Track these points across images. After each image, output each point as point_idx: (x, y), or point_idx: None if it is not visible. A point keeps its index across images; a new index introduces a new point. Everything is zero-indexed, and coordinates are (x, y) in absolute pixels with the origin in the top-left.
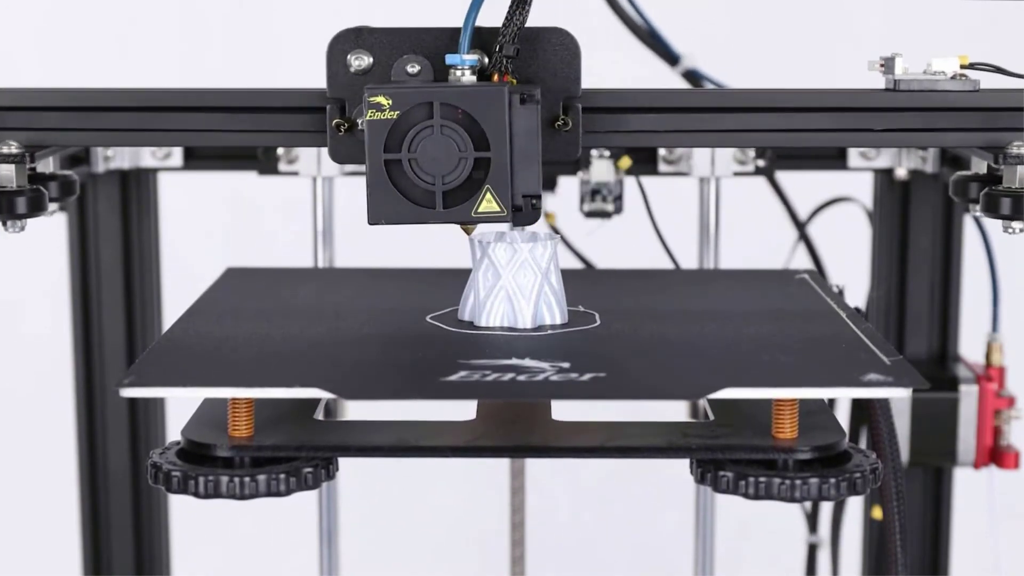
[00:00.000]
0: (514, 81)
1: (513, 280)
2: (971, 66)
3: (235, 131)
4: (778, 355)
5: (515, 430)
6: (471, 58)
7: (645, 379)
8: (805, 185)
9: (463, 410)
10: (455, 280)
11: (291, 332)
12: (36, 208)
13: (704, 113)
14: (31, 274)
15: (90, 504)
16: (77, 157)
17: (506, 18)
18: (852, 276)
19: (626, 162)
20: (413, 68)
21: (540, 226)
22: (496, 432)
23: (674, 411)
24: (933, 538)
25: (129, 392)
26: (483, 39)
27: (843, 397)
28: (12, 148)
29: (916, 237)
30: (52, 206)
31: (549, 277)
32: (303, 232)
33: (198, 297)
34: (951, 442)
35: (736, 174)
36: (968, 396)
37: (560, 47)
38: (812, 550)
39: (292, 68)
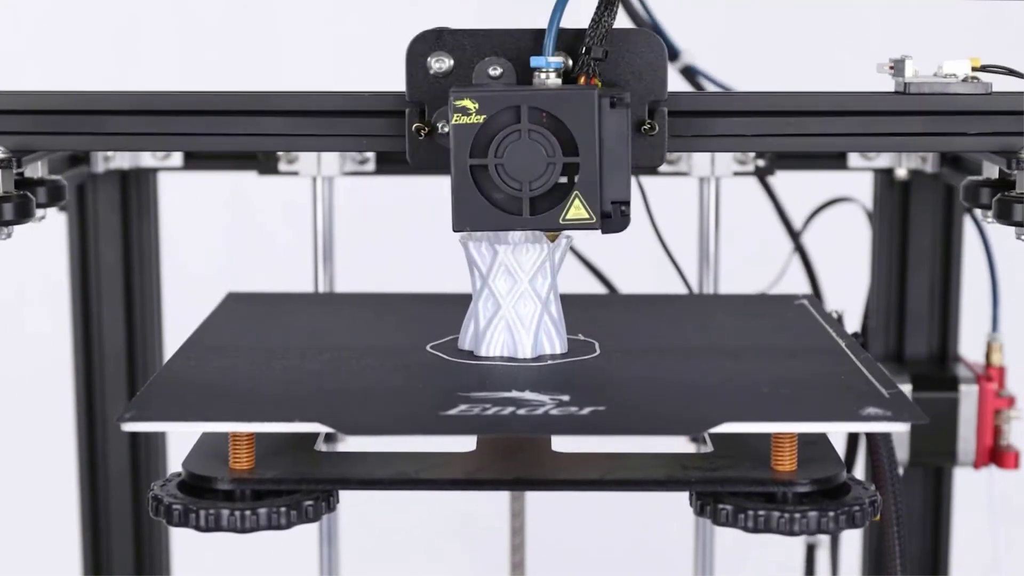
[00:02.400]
0: (600, 84)
1: (513, 310)
2: (983, 68)
3: (309, 135)
4: (777, 387)
5: (515, 462)
6: (556, 60)
7: (644, 413)
8: (805, 185)
9: (464, 439)
10: (455, 306)
11: (291, 363)
12: (23, 215)
13: (792, 117)
14: (31, 274)
15: (90, 507)
16: (76, 157)
17: (593, 20)
18: (852, 276)
19: None
20: (495, 71)
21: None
22: (496, 464)
23: (674, 440)
24: (933, 538)
25: (130, 427)
26: (565, 41)
27: (842, 432)
28: None
29: (916, 237)
30: (40, 212)
31: (549, 307)
32: (303, 232)
33: (198, 325)
34: (951, 442)
35: (736, 174)
36: (968, 396)
37: (646, 49)
38: (811, 550)
39: (293, 70)
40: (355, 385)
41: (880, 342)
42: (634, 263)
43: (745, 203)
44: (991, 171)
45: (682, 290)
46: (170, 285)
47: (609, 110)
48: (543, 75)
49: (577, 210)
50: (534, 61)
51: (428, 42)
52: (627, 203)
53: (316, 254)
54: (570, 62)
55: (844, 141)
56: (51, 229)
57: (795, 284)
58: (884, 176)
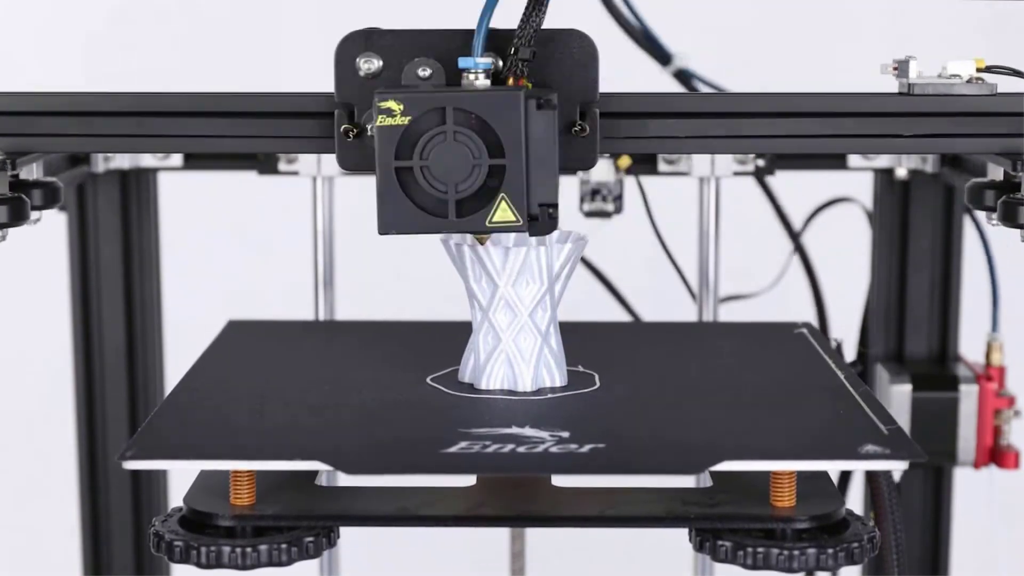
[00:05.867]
0: (529, 85)
1: (513, 344)
2: (988, 69)
3: (239, 137)
4: (776, 423)
5: (515, 497)
6: (485, 61)
7: (644, 451)
8: (805, 185)
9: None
10: (455, 335)
11: (292, 397)
12: (17, 217)
13: (725, 119)
14: (30, 275)
15: (91, 525)
16: (76, 157)
17: (522, 19)
18: (852, 276)
19: (625, 161)
20: (425, 72)
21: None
22: (497, 499)
23: None
24: (933, 538)
25: (131, 464)
26: (497, 42)
27: (840, 469)
28: None
29: (916, 237)
30: (35, 214)
31: (549, 340)
32: (303, 233)
33: (199, 357)
34: (951, 442)
35: (736, 174)
36: (968, 396)
37: (577, 50)
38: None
39: (295, 72)
40: (356, 420)
41: (880, 342)
42: (634, 263)
43: (745, 203)
44: (996, 173)
45: (681, 289)
46: (170, 285)
47: (536, 111)
48: (472, 76)
49: (504, 212)
50: (462, 62)
51: (357, 43)
52: (555, 205)
53: (316, 256)
54: (500, 63)
55: (772, 143)
56: (51, 229)
57: (796, 284)
58: (884, 176)
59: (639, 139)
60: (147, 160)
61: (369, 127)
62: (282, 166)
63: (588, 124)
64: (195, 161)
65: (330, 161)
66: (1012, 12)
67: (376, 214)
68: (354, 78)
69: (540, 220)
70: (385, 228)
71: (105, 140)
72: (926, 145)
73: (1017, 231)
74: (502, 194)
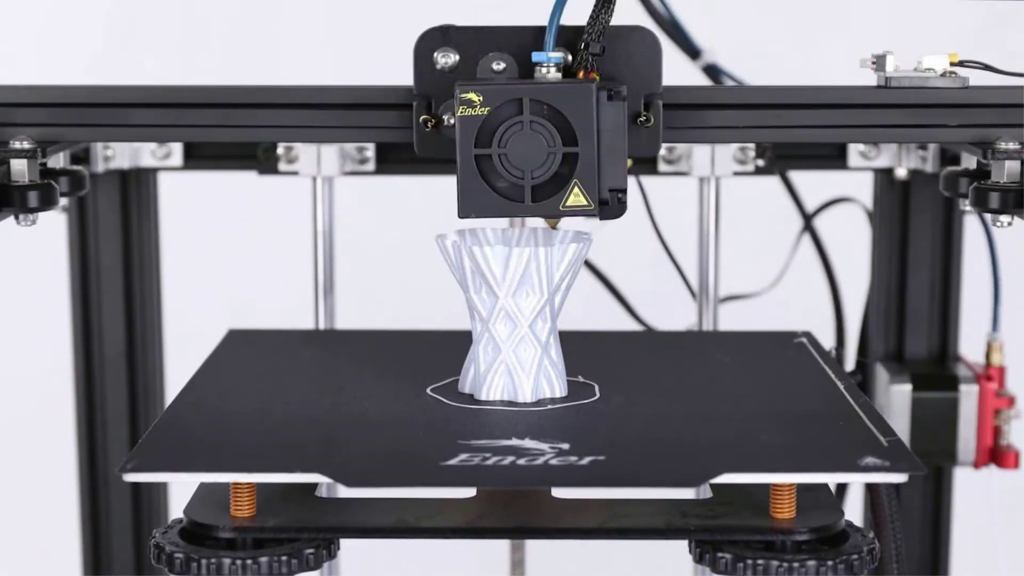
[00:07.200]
0: (598, 78)
1: (513, 355)
2: (961, 64)
3: (320, 127)
4: (776, 435)
5: (515, 508)
6: (557, 55)
7: (643, 463)
8: (805, 185)
9: None
10: (456, 345)
11: (292, 409)
12: (47, 202)
13: (783, 110)
14: (30, 274)
15: (91, 515)
16: (77, 157)
17: (591, 17)
18: (852, 276)
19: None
20: (498, 65)
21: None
22: (496, 511)
23: None
24: (933, 538)
25: (131, 477)
26: (565, 37)
27: (840, 482)
28: (25, 143)
29: (916, 237)
30: (62, 200)
31: (549, 351)
32: (304, 232)
33: (199, 366)
34: (951, 442)
35: (736, 174)
36: (968, 396)
37: (642, 45)
38: None
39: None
40: (356, 432)
41: (880, 342)
42: (633, 263)
43: (745, 203)
44: (970, 162)
45: (681, 289)
46: (170, 285)
47: (607, 102)
48: (544, 69)
49: (576, 197)
50: (535, 56)
51: (434, 38)
52: (624, 191)
53: (316, 256)
54: (569, 57)
55: (830, 132)
56: (51, 229)
57: (796, 284)
58: (884, 176)
59: (700, 129)
60: (147, 160)
61: (446, 117)
62: (282, 166)
63: (652, 115)
64: (195, 161)
65: (330, 161)
66: (1007, 11)
67: (457, 199)
68: (432, 71)
69: (610, 204)
70: (465, 212)
71: (135, 131)
72: (901, 135)
73: (1008, 228)
74: (575, 180)
